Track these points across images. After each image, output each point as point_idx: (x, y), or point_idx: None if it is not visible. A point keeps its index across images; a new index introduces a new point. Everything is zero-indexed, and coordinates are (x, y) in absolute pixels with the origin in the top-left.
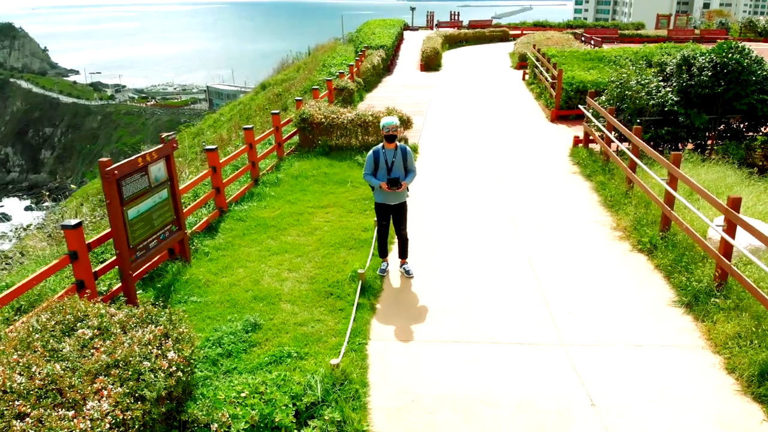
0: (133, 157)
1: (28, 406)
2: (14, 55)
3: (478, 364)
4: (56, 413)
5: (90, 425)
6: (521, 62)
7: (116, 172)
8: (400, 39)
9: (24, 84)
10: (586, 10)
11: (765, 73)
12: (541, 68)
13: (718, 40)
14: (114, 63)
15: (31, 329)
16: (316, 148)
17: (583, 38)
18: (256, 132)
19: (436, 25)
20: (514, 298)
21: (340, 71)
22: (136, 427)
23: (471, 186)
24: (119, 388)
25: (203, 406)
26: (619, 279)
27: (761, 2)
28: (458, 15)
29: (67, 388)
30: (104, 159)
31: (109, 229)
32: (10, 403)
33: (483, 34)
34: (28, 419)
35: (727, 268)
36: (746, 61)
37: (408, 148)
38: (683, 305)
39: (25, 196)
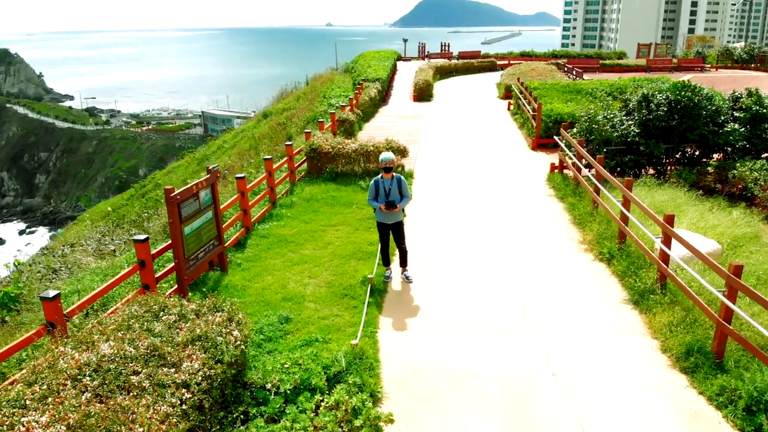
0: (189, 185)
1: (139, 366)
2: (9, 81)
3: (465, 347)
4: (161, 370)
5: (188, 377)
6: (507, 93)
7: (178, 197)
8: (393, 70)
9: (20, 109)
10: (574, 36)
11: (714, 107)
12: (524, 100)
13: (696, 68)
14: (109, 88)
15: (128, 316)
16: (324, 175)
17: (565, 69)
18: (261, 154)
19: (428, 56)
20: (495, 298)
21: (342, 104)
22: (219, 380)
23: (460, 207)
24: (203, 354)
25: (258, 373)
26: (582, 282)
27: (745, 26)
28: (448, 46)
29: (166, 354)
30: (169, 187)
31: (168, 242)
32: (125, 364)
33: (472, 64)
34: (141, 375)
35: (665, 271)
36: (697, 98)
37: (402, 178)
38: (632, 302)
39: (19, 220)
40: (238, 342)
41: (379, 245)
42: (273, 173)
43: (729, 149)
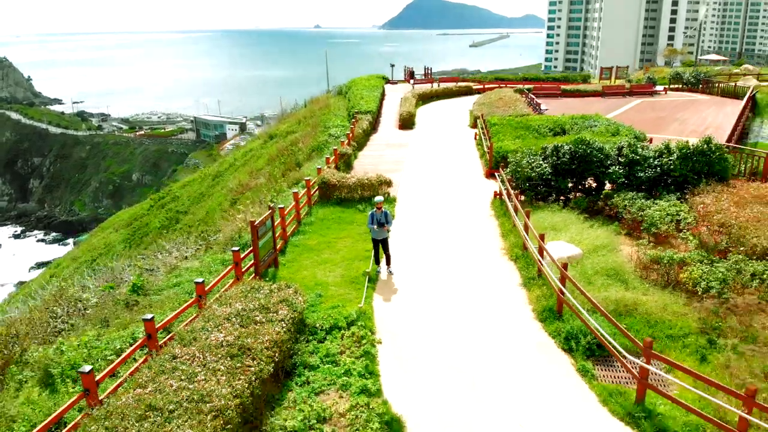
0: (263, 216)
1: (257, 313)
2: None
3: (422, 309)
4: (269, 314)
5: (283, 316)
6: (476, 123)
7: (257, 225)
8: (382, 97)
9: (13, 115)
10: (558, 43)
11: (602, 156)
12: (484, 136)
13: (646, 93)
14: (97, 92)
15: (240, 291)
16: (332, 200)
17: (529, 97)
18: (277, 179)
19: (412, 77)
20: (441, 283)
21: (341, 138)
22: (295, 321)
23: (427, 223)
24: (287, 308)
25: (311, 320)
26: (497, 273)
27: (725, 37)
28: (431, 70)
29: (270, 307)
30: (252, 219)
31: (249, 249)
32: (250, 312)
33: (451, 90)
34: (259, 317)
35: (540, 267)
36: (590, 149)
37: (388, 212)
38: (523, 285)
39: (14, 224)
40: (302, 303)
41: (373, 252)
42: (299, 201)
43: (615, 184)
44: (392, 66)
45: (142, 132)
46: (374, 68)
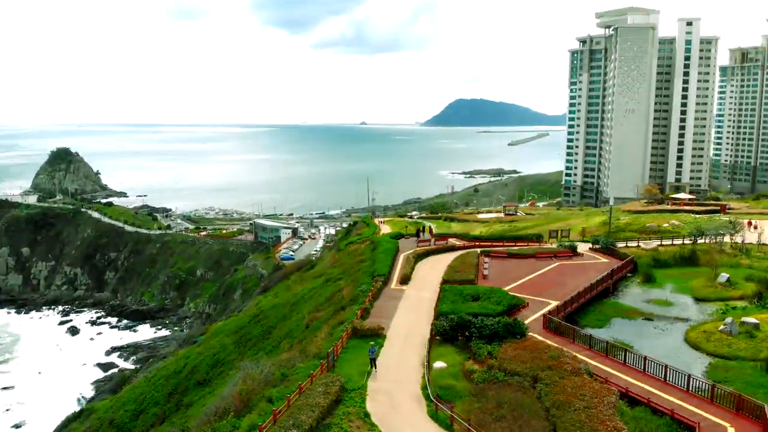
0: (331, 349)
1: (326, 385)
2: (69, 178)
3: (387, 384)
4: (330, 385)
5: (336, 387)
6: (444, 281)
7: (329, 352)
8: (396, 253)
9: (95, 214)
10: (576, 168)
11: (469, 324)
12: (438, 297)
13: (565, 256)
14: (158, 184)
15: (323, 375)
16: (357, 335)
17: (483, 261)
18: (330, 316)
19: (418, 234)
20: (396, 373)
21: (365, 298)
22: (342, 384)
23: (398, 347)
24: (339, 381)
25: (346, 386)
26: (416, 373)
27: (740, 151)
28: (432, 228)
29: (331, 382)
30: (328, 350)
31: (325, 360)
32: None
33: (440, 248)
34: (329, 386)
35: (425, 371)
36: (463, 320)
37: (375, 348)
38: (422, 377)
39: (90, 311)
40: (343, 380)
41: (370, 362)
42: (343, 338)
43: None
44: (406, 227)
45: (206, 232)
46: (420, 164)
